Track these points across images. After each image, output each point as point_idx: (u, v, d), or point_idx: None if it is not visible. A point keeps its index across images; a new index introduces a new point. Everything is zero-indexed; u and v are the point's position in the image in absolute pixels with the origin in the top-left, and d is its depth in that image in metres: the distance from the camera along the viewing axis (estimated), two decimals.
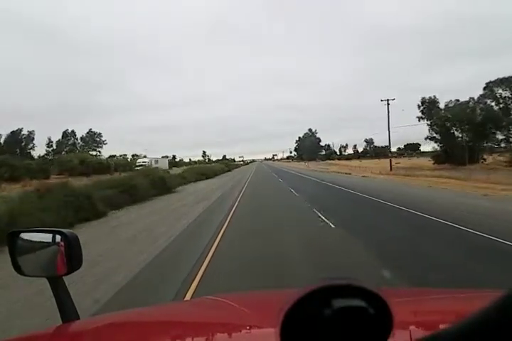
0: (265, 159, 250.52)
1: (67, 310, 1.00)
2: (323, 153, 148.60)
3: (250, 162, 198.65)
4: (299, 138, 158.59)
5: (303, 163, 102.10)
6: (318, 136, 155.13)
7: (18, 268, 1.02)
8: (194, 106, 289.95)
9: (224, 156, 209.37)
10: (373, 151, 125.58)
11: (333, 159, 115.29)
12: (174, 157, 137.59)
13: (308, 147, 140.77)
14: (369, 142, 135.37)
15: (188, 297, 3.36)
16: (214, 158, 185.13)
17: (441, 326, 0.27)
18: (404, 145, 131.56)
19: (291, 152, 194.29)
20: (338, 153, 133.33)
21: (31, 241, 1.04)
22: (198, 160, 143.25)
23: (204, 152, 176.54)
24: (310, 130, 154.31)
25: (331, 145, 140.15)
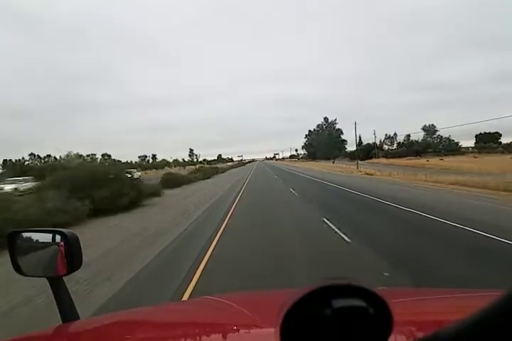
0: (266, 158, 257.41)
1: (67, 310, 1.14)
2: (347, 149, 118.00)
3: (248, 162, 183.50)
4: (310, 131, 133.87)
5: (326, 163, 76.27)
6: (337, 126, 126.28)
7: (17, 268, 1.16)
8: (192, 105, 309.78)
9: (219, 156, 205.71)
10: (436, 145, 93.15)
11: (374, 157, 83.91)
12: (155, 157, 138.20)
13: (325, 142, 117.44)
14: (429, 130, 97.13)
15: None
16: (209, 158, 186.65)
17: (441, 326, 0.30)
18: (476, 136, 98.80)
19: (296, 150, 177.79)
20: (376, 148, 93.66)
21: (31, 241, 1.19)
22: (177, 160, 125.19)
23: (191, 150, 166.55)
24: (326, 120, 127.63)
25: (360, 138, 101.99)
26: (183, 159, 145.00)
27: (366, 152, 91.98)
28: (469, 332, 0.29)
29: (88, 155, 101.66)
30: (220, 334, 1.01)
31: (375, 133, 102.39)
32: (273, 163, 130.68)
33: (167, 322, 1.20)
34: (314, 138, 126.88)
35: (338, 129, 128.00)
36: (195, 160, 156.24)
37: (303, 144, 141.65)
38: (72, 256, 1.11)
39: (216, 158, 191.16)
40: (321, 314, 0.35)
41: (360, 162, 76.67)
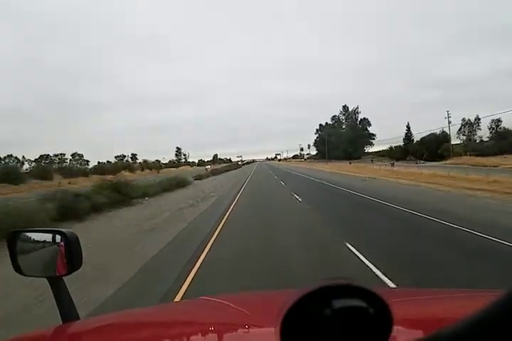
0: (267, 159, 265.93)
1: (67, 310, 1.25)
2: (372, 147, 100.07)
3: (246, 163, 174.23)
4: (321, 126, 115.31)
5: (367, 165, 51.63)
6: (362, 116, 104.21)
7: (17, 268, 1.28)
8: (190, 104, 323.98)
9: (215, 156, 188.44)
10: None
11: (447, 156, 58.58)
12: (135, 157, 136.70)
13: (346, 136, 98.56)
14: None
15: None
16: (206, 159, 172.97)
17: (441, 326, 0.33)
18: None
19: (302, 149, 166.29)
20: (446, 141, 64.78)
21: (31, 241, 1.30)
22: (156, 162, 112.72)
23: (178, 149, 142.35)
24: (345, 108, 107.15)
25: (409, 128, 79.18)
26: (176, 160, 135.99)
27: (433, 147, 65.79)
28: (469, 332, 0.32)
29: (56, 155, 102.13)
30: (221, 335, 1.12)
31: (448, 116, 64.34)
32: (278, 165, 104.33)
33: (167, 323, 1.32)
34: (330, 133, 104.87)
35: (365, 119, 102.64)
36: (182, 160, 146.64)
37: (313, 141, 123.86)
38: (72, 256, 1.23)
39: (212, 158, 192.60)
40: (321, 314, 0.39)
41: (432, 163, 49.66)
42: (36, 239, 1.33)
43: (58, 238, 1.28)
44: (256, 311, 1.36)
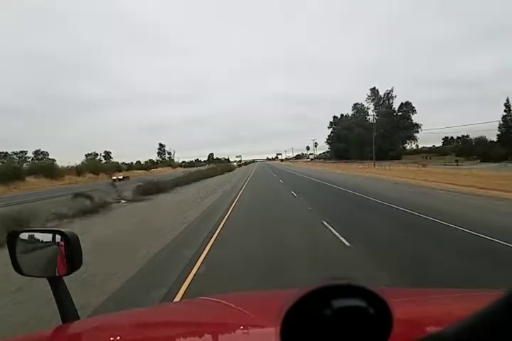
0: (267, 159, 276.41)
1: (67, 311, 1.34)
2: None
3: (244, 163, 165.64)
4: (336, 118, 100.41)
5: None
6: (398, 100, 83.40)
7: (17, 267, 1.37)
8: (191, 102, 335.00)
9: (210, 156, 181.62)
10: None
11: None
12: (108, 155, 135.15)
13: (379, 129, 76.27)
14: None
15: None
16: (203, 159, 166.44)
17: (441, 326, 0.37)
18: None
19: (308, 148, 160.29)
20: None
21: (31, 241, 1.39)
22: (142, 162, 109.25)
23: (161, 146, 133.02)
24: (374, 92, 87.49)
25: None
26: (160, 160, 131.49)
27: None
28: (469, 332, 0.35)
29: (15, 153, 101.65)
30: (220, 335, 1.21)
31: None
32: (282, 167, 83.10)
33: (167, 323, 1.42)
34: (350, 126, 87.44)
35: (407, 104, 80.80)
36: (167, 160, 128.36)
37: (327, 137, 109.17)
38: (72, 256, 1.33)
39: (207, 158, 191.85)
40: (321, 314, 0.42)
41: None
42: (36, 238, 1.43)
43: (58, 238, 1.37)
44: (256, 311, 1.46)
